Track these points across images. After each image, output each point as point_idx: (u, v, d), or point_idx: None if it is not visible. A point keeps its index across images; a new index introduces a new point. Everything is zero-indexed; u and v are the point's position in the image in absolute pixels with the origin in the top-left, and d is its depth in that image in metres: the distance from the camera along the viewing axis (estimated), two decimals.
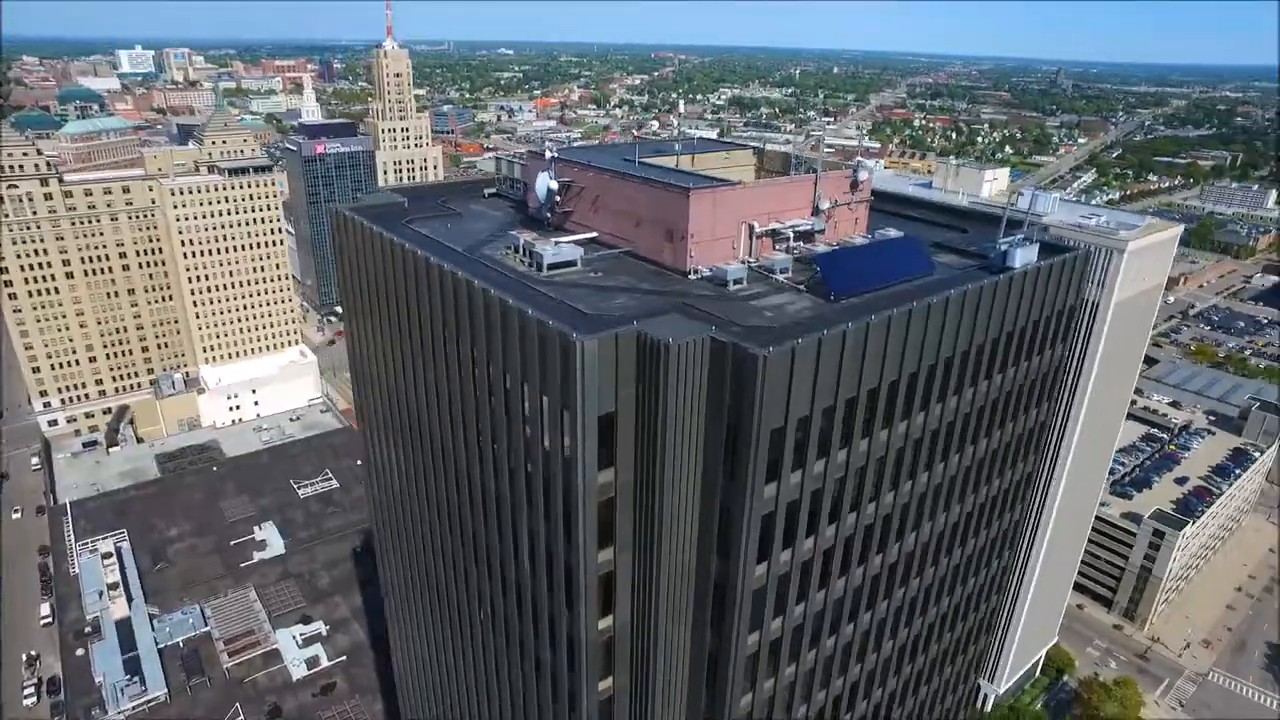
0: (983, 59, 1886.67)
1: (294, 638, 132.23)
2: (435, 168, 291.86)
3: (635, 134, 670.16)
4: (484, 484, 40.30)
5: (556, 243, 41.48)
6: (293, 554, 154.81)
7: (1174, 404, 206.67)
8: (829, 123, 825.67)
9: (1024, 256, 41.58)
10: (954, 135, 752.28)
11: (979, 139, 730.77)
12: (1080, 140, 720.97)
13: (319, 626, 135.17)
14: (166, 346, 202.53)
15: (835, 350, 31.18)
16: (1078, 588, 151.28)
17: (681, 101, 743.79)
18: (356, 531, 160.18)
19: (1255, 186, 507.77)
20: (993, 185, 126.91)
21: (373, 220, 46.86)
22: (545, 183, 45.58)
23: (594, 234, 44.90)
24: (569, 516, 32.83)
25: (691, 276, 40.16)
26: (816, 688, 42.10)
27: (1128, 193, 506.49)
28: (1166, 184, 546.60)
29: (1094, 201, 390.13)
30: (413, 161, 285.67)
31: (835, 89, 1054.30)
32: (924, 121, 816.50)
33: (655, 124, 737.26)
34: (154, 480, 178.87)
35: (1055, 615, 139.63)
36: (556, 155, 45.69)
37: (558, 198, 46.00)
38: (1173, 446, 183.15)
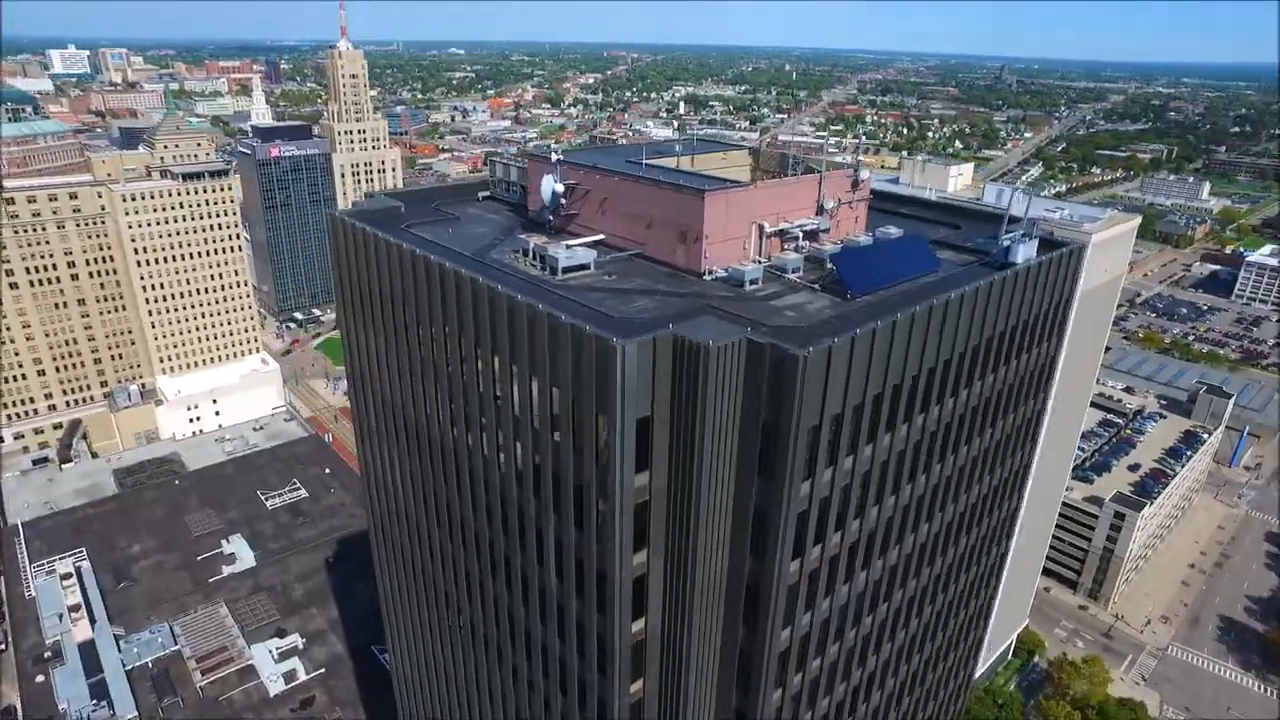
0: (929, 56, 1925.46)
1: (269, 652, 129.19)
2: (394, 170, 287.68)
3: (591, 133, 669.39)
4: (504, 492, 39.97)
5: (568, 246, 41.32)
6: (264, 566, 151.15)
7: (1128, 389, 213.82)
8: (783, 119, 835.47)
9: (1025, 252, 42.66)
10: (905, 131, 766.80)
11: (930, 134, 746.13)
12: (1026, 135, 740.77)
13: (295, 639, 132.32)
14: (121, 358, 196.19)
15: (866, 348, 31.69)
16: (1045, 571, 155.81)
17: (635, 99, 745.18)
18: (328, 541, 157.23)
19: (1190, 179, 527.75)
20: (958, 180, 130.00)
21: (372, 225, 46.12)
22: (550, 185, 45.33)
23: (601, 236, 44.82)
24: (604, 522, 32.78)
25: (706, 278, 40.37)
26: (838, 680, 42.76)
27: (1073, 185, 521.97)
28: (1109, 176, 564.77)
29: (1043, 194, 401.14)
30: (370, 164, 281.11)
31: (787, 86, 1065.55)
32: (876, 117, 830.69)
33: (608, 123, 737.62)
34: (112, 496, 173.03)
35: (1026, 599, 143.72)
36: (562, 158, 45.40)
37: (563, 200, 45.80)
38: (1128, 431, 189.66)
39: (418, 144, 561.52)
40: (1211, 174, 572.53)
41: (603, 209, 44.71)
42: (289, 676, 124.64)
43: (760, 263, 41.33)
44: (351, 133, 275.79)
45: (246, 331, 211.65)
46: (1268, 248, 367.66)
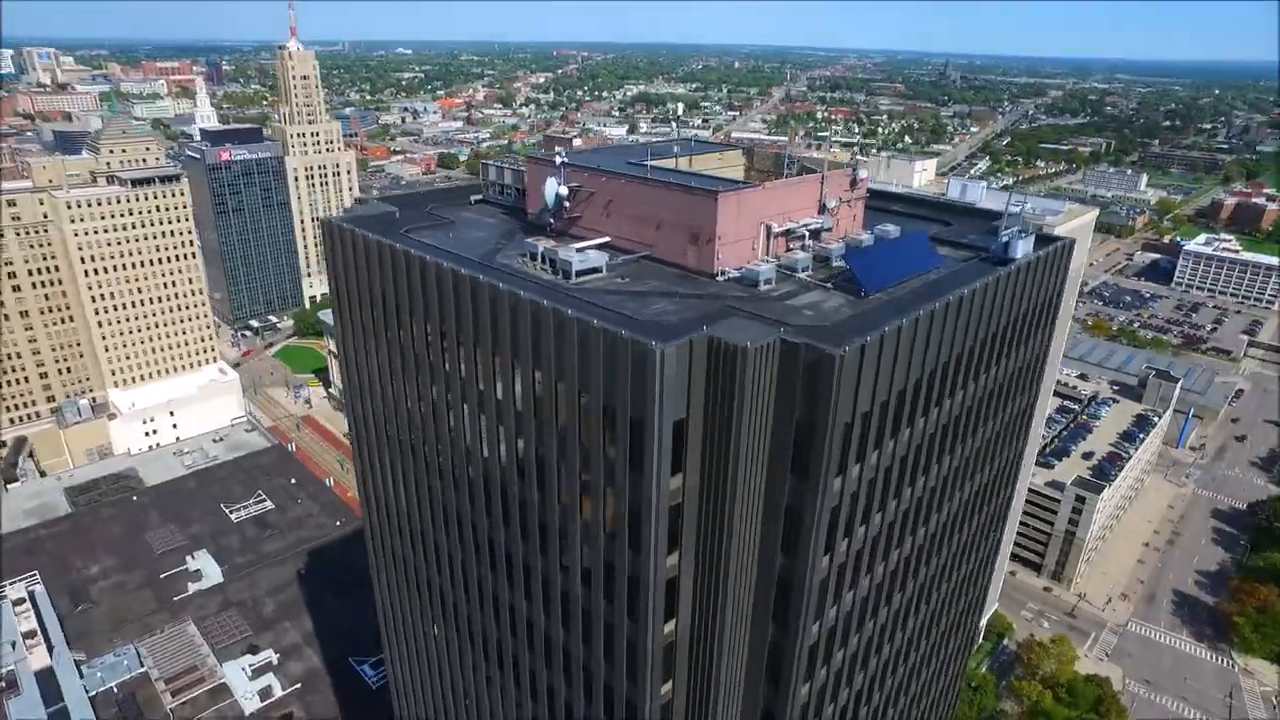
0: (875, 52, 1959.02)
1: (243, 669, 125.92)
2: (349, 173, 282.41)
3: (545, 133, 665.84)
4: (524, 499, 39.62)
5: (579, 249, 41.16)
6: (232, 582, 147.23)
7: (1082, 376, 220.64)
8: (735, 116, 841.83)
9: (1024, 247, 43.79)
10: (856, 126, 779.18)
11: (880, 129, 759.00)
12: (973, 129, 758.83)
13: (269, 655, 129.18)
14: (69, 371, 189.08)
15: (894, 345, 32.25)
16: (1011, 555, 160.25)
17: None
18: (298, 553, 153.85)
19: (1129, 171, 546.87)
20: (922, 175, 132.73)
21: (371, 230, 45.31)
22: (554, 188, 45.07)
23: (606, 239, 44.70)
24: (636, 526, 32.76)
25: (719, 279, 40.58)
26: (858, 670, 43.46)
27: (1020, 178, 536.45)
28: (1052, 169, 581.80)
29: (992, 187, 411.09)
30: (324, 167, 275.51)
31: (738, 83, 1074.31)
32: (826, 113, 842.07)
33: (561, 123, 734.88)
34: (66, 516, 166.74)
35: (996, 583, 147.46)
36: (567, 161, 45.15)
37: (566, 203, 45.59)
38: (1084, 416, 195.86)
39: (369, 146, 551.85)
40: (1147, 166, 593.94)
41: (608, 211, 44.60)
42: (264, 694, 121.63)
43: (770, 263, 41.67)
44: (304, 135, 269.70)
45: (203, 341, 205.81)
46: (1202, 237, 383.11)
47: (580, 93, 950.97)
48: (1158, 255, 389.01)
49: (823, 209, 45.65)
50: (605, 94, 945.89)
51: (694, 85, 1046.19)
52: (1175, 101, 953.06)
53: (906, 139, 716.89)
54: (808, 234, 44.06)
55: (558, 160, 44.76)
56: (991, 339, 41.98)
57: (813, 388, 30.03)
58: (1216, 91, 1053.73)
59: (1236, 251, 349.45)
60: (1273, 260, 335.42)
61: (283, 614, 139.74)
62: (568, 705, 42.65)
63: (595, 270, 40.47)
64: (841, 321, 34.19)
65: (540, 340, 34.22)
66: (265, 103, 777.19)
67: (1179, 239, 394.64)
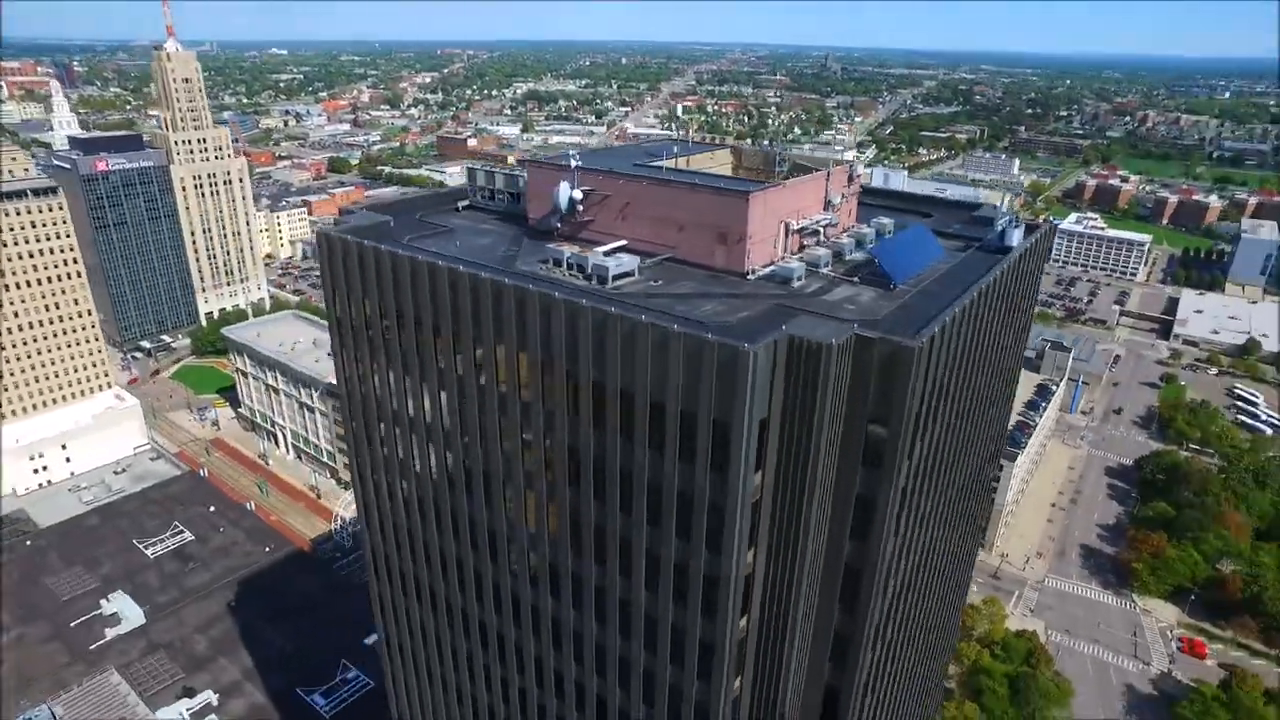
0: (759, 46, 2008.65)
1: (180, 715, 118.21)
2: (241, 181, 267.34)
3: (436, 133, 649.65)
4: (575, 507, 38.96)
5: (606, 253, 40.82)
6: (155, 622, 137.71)
7: None
8: (627, 111, 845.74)
9: (1018, 236, 46.37)
10: (746, 119, 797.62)
11: (769, 121, 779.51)
12: (857, 119, 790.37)
13: (208, 696, 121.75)
14: None
15: (948, 334, 33.65)
16: None
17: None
18: (226, 585, 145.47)
19: (1003, 156, 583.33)
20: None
21: (370, 241, 43.44)
22: (566, 192, 44.42)
23: (623, 242, 44.42)
24: (718, 527, 32.89)
25: (750, 277, 41.09)
26: (901, 647, 45.06)
27: (906, 165, 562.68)
28: (934, 156, 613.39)
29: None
30: (214, 175, 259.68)
31: (627, 79, 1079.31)
32: (716, 107, 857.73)
33: (453, 123, 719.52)
34: None
35: None
36: (581, 164, 44.49)
37: (579, 207, 45.02)
38: None
39: (252, 151, 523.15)
40: (1018, 151, 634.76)
41: (623, 214, 44.32)
42: None
43: (800, 260, 42.50)
44: (190, 142, 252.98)
45: (95, 366, 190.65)
46: (1073, 216, 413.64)
47: (469, 92, 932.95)
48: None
49: (828, 205, 46.87)
50: (495, 92, 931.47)
51: (583, 82, 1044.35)
52: (1034, 91, 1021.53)
53: (796, 130, 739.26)
54: (822, 230, 45.15)
55: (572, 164, 44.10)
56: (1004, 320, 44.30)
57: (889, 379, 30.99)
58: (1068, 82, 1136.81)
59: (1103, 229, 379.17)
60: (1134, 236, 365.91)
61: (217, 650, 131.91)
62: (621, 713, 42.30)
63: (629, 274, 40.22)
64: (891, 314, 35.34)
65: (605, 348, 33.73)
66: (130, 107, 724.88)
67: (1053, 219, 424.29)
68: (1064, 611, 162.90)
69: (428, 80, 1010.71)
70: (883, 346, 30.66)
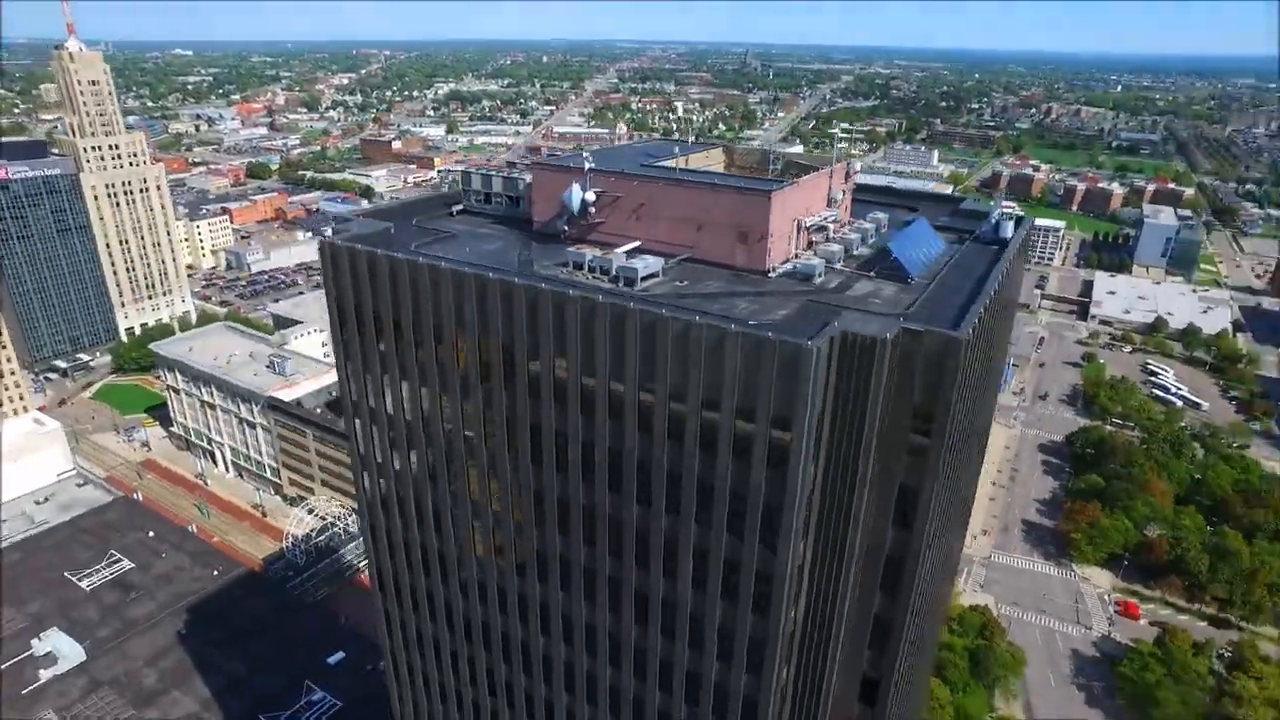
0: (678, 43, 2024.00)
1: None
2: (159, 188, 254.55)
3: (359, 136, 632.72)
4: (615, 514, 38.65)
5: (629, 255, 40.65)
6: (97, 658, 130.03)
7: None
8: (552, 110, 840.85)
9: (1011, 227, 48.19)
10: (671, 116, 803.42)
11: (694, 118, 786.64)
12: (780, 114, 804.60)
13: None
14: None
15: (978, 325, 34.77)
16: None
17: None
18: (174, 613, 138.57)
19: (922, 148, 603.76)
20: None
21: (384, 249, 42.19)
22: (578, 194, 43.98)
23: (636, 243, 44.23)
24: (773, 522, 33.16)
25: (771, 275, 41.52)
26: (923, 626, 46.31)
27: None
28: (856, 150, 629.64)
29: None
30: (130, 183, 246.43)
31: (550, 78, 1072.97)
32: (641, 104, 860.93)
33: (375, 125, 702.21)
34: None
35: None
36: (594, 166, 44.06)
37: (591, 209, 44.63)
38: None
39: (163, 157, 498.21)
40: (935, 143, 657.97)
41: (637, 215, 44.17)
42: None
43: (819, 257, 43.13)
44: (101, 149, 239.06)
45: (12, 389, 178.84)
46: (991, 204, 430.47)
47: (390, 93, 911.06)
48: None
49: (831, 202, 47.75)
50: (416, 93, 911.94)
51: (506, 81, 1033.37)
52: (946, 85, 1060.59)
53: (721, 126, 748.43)
54: (831, 227, 45.96)
55: (586, 166, 43.65)
56: (1002, 309, 46.00)
57: (936, 370, 31.82)
58: (976, 76, 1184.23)
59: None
60: (1051, 222, 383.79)
61: (169, 683, 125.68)
62: (662, 715, 42.19)
63: (655, 275, 40.14)
64: (919, 307, 36.29)
65: (655, 350, 33.60)
66: (18, 110, 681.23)
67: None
68: (1011, 584, 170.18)
69: (345, 81, 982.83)
70: (930, 339, 31.49)
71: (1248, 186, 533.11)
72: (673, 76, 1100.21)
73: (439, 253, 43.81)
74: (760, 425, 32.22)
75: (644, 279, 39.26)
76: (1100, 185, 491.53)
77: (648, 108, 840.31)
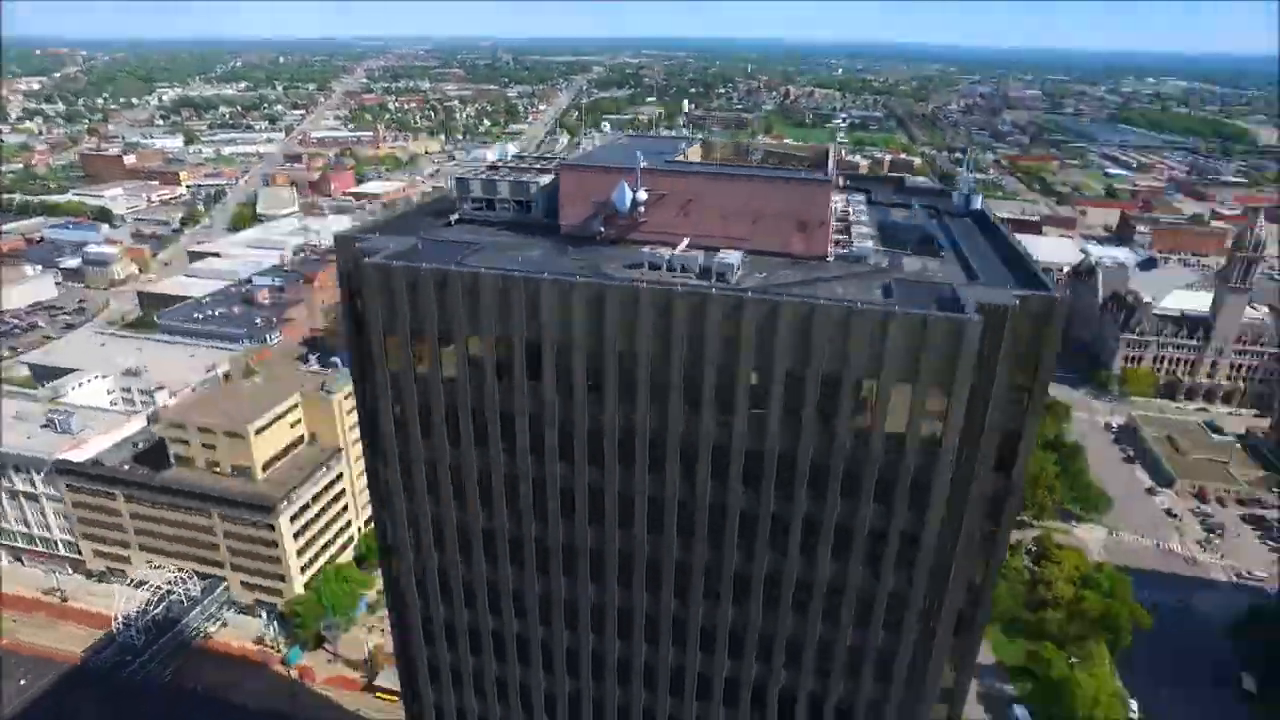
0: (423, 39, 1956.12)
1: None
2: None
3: (79, 150, 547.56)
4: (742, 507, 39.26)
5: (708, 252, 41.46)
6: None
7: None
8: (303, 115, 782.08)
9: (980, 200, 54.51)
10: (433, 114, 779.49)
11: (457, 115, 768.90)
12: (542, 107, 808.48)
13: None
14: None
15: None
16: None
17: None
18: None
19: (684, 132, 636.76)
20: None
21: (432, 264, 39.56)
22: (627, 194, 43.48)
23: (686, 239, 44.63)
24: (921, 495, 35.96)
25: (830, 259, 43.96)
26: None
27: None
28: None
29: None
30: None
31: (292, 80, 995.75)
32: (398, 104, 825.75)
33: (94, 137, 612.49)
34: None
35: None
36: (646, 165, 43.56)
37: (641, 208, 44.35)
38: None
39: None
40: (695, 126, 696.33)
41: (685, 211, 44.60)
42: None
43: (870, 239, 46.31)
44: None
45: None
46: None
47: (101, 100, 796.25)
48: None
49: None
50: (136, 100, 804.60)
51: (243, 85, 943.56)
52: (692, 73, 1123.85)
53: (485, 122, 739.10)
54: (852, 211, 49.36)
55: (640, 166, 43.15)
56: None
57: (1041, 329, 36.00)
58: (718, 63, 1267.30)
59: None
60: None
61: None
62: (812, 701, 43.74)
63: (737, 268, 41.08)
64: (981, 275, 40.62)
65: (811, 339, 34.80)
66: None
67: None
68: None
69: (37, 87, 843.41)
70: (1033, 302, 35.63)
71: (955, 155, 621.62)
72: (426, 74, 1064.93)
73: (496, 265, 41.27)
74: (917, 398, 34.71)
75: (733, 271, 40.10)
76: (848, 158, 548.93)
77: (406, 106, 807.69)
